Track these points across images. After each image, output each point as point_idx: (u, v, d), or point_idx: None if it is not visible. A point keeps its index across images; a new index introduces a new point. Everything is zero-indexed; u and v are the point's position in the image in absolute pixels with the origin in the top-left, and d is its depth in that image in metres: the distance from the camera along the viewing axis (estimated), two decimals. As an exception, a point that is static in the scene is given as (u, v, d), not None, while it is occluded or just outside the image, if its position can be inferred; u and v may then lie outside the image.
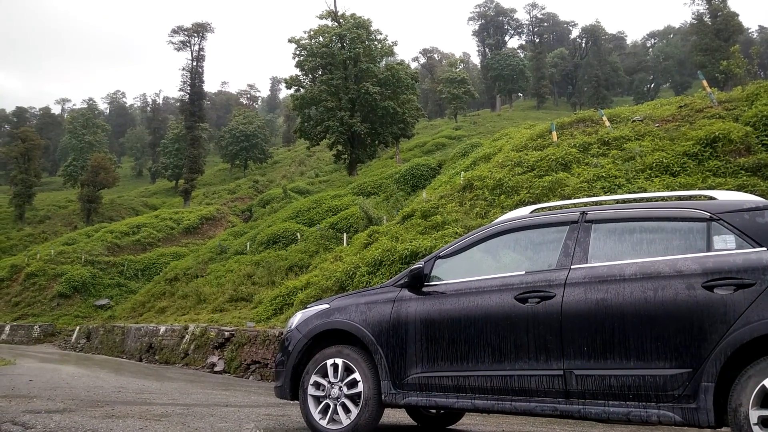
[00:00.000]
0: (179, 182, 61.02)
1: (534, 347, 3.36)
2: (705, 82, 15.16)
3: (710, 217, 3.26)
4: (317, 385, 4.06)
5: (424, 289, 3.92)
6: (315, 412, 3.99)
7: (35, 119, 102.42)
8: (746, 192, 3.82)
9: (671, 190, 10.93)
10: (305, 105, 38.11)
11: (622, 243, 3.50)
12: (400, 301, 3.95)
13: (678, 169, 11.54)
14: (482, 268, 3.96)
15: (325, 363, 4.06)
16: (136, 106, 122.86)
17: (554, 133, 14.75)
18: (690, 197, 4.00)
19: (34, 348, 24.47)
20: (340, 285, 12.94)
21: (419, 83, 50.06)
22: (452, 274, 3.95)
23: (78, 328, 26.04)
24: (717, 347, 2.88)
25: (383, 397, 3.83)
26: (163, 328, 17.32)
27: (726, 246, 3.14)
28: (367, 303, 4.10)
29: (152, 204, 58.30)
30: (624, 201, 4.58)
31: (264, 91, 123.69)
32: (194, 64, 54.60)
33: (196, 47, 54.65)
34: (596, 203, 4.02)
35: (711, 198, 3.58)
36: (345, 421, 3.88)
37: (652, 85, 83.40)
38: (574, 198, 11.33)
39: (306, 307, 4.63)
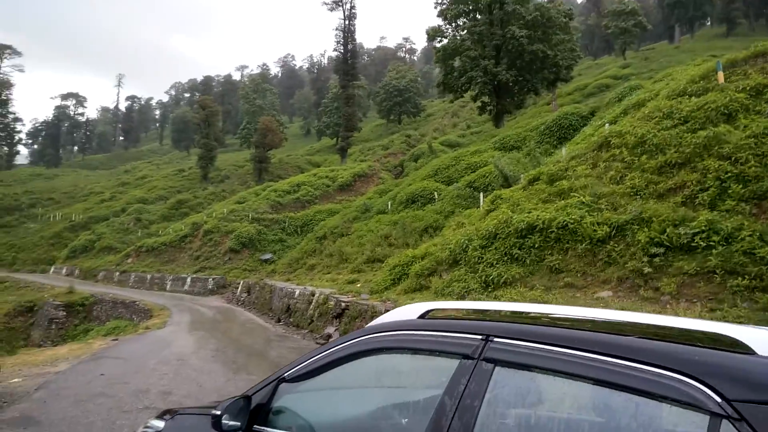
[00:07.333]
0: (338, 140, 63.43)
1: None
2: None
3: (720, 410, 1.44)
4: None
5: None
6: None
7: (219, 86, 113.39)
8: None
9: None
10: (448, 56, 36.44)
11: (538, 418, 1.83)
12: None
13: None
14: (341, 407, 2.63)
15: None
16: (304, 68, 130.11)
17: (720, 74, 11.98)
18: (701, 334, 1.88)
19: (205, 300, 27.42)
20: (453, 258, 12.07)
21: (585, 19, 45.18)
22: (302, 408, 2.56)
23: (242, 282, 28.54)
24: None
25: None
26: (297, 291, 17.91)
27: None
28: None
29: (315, 162, 61.47)
30: (564, 320, 2.22)
31: (421, 43, 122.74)
32: (346, 23, 55.40)
33: (348, 5, 55.32)
34: (513, 315, 2.33)
35: (748, 351, 1.63)
36: None
37: None
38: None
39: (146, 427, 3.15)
